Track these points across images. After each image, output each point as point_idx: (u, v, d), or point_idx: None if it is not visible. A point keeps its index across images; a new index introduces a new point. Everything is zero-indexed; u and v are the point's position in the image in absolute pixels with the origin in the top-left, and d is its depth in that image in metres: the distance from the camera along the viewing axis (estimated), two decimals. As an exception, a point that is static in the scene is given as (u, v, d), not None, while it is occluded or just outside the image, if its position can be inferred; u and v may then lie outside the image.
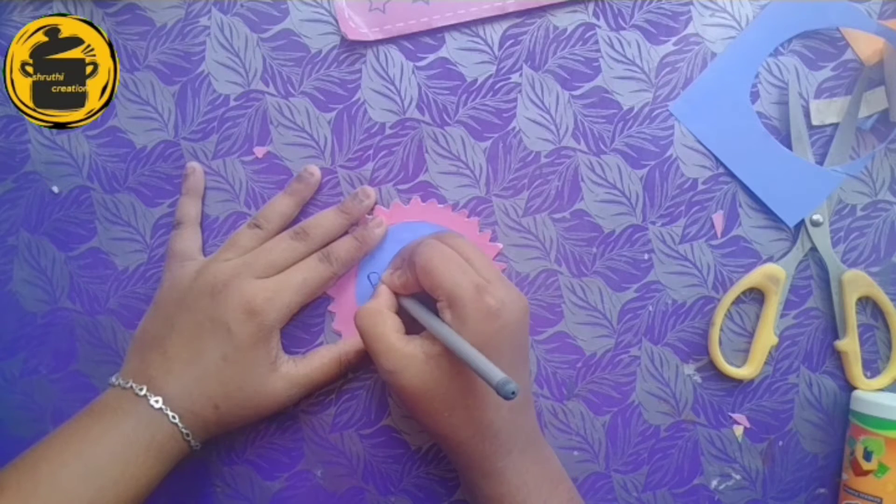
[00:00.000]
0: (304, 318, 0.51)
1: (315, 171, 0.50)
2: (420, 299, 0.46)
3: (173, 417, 0.44)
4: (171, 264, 0.49)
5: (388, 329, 0.44)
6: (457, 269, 0.43)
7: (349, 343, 0.50)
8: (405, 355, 0.42)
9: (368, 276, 0.51)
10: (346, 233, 0.50)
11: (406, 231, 0.50)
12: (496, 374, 0.37)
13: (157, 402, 0.44)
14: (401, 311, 0.46)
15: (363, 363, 0.50)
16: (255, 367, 0.46)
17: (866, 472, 0.47)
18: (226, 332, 0.46)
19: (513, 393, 0.36)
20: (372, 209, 0.51)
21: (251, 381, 0.46)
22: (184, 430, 0.45)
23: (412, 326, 0.45)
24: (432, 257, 0.43)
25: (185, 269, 0.48)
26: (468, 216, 0.51)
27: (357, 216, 0.50)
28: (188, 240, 0.50)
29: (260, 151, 0.51)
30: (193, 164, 0.51)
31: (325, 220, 0.49)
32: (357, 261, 0.50)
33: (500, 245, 0.50)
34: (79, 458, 0.43)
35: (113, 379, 0.46)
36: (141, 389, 0.45)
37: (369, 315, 0.44)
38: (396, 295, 0.47)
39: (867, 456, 0.47)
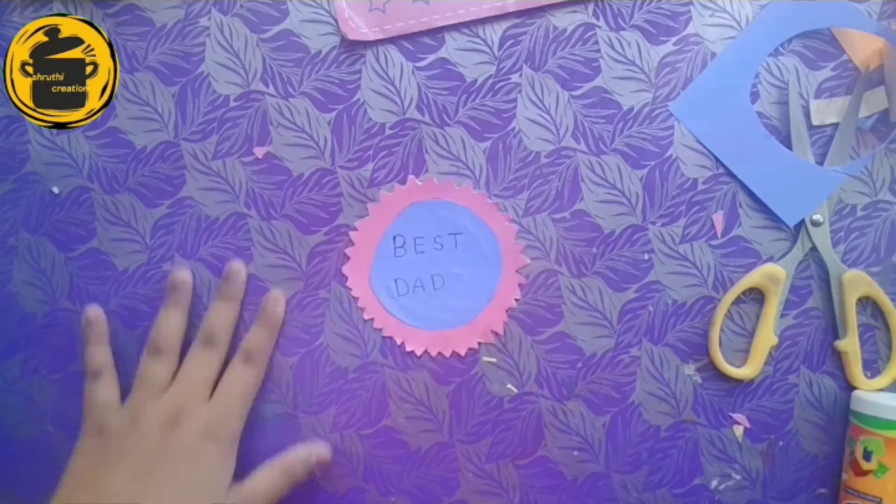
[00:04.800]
0: (304, 318, 0.51)
1: (187, 278, 0.50)
2: None
3: None
4: (144, 396, 0.48)
5: None
6: None
7: (292, 455, 0.49)
8: None
9: (393, 238, 0.50)
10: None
11: (446, 210, 0.50)
12: None
13: None
14: None
15: (310, 477, 0.50)
16: (216, 487, 0.46)
17: (866, 472, 0.47)
18: (188, 462, 0.46)
19: None
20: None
21: (211, 502, 0.46)
22: None
23: None
24: None
25: (111, 418, 0.48)
26: (511, 220, 0.51)
27: (239, 296, 0.50)
28: (111, 388, 0.49)
29: (260, 152, 0.51)
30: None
31: (219, 318, 0.49)
32: (273, 345, 0.50)
33: (528, 261, 0.50)
34: None
35: None
36: None
37: None
38: None
39: (867, 456, 0.47)
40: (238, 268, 0.50)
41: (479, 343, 0.51)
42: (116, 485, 0.45)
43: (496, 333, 0.51)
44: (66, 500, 0.46)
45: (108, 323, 0.51)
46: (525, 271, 0.51)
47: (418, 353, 0.51)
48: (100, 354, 0.50)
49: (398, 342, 0.51)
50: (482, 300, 0.51)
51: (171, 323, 0.50)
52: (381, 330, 0.51)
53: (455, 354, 0.51)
